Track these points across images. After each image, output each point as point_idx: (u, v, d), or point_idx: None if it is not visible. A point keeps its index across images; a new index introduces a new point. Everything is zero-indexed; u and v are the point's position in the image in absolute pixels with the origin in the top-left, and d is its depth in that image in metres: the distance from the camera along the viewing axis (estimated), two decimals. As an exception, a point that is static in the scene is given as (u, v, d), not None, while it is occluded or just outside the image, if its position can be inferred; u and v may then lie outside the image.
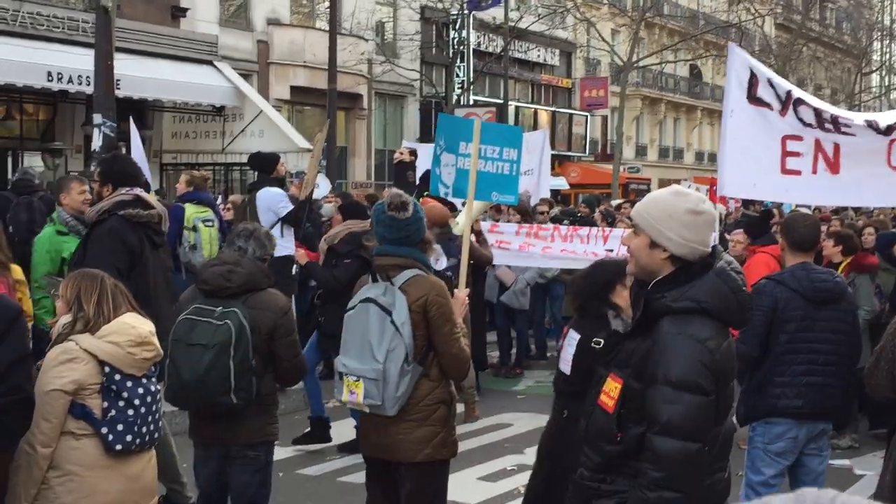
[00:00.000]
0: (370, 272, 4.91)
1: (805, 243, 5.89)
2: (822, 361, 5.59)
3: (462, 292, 5.24)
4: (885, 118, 8.07)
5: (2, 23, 18.41)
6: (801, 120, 7.88)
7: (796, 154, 8.01)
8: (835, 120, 7.90)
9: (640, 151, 46.66)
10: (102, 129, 8.97)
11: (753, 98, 8.09)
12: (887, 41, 53.38)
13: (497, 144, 5.85)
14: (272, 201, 9.92)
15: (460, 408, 9.77)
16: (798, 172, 8.06)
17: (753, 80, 8.08)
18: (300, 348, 5.41)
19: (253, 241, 5.31)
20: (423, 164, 13.20)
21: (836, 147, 7.83)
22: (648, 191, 43.00)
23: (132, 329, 4.28)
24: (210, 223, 10.26)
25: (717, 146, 39.90)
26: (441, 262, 9.21)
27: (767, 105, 8.05)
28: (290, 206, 10.22)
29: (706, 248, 3.49)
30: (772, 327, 5.55)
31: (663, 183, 40.40)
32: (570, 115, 39.49)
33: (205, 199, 10.25)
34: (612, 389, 3.47)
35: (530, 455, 8.71)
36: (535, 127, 36.74)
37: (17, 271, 6.67)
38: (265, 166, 9.91)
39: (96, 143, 9.01)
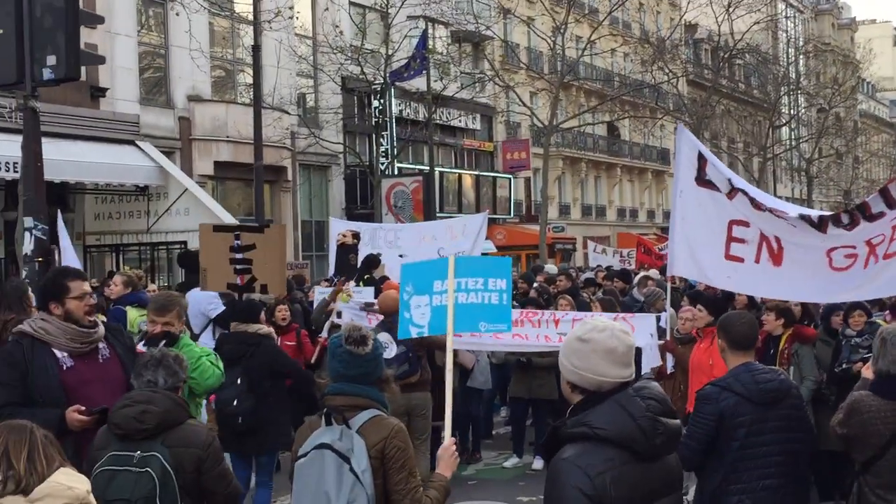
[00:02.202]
0: (322, 414, 4.47)
1: (745, 342, 5.74)
2: (776, 462, 5.44)
3: (449, 440, 4.71)
4: (814, 212, 8.22)
5: (-84, 111, 17.95)
6: (752, 201, 7.94)
7: (741, 241, 8.06)
8: (772, 211, 8.00)
9: (564, 210, 47.14)
10: (34, 232, 8.63)
11: (702, 180, 8.15)
12: (794, 95, 54.88)
13: (480, 276, 5.65)
14: (202, 303, 9.63)
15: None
16: (741, 259, 8.12)
17: (702, 162, 8.14)
18: (232, 476, 5.04)
19: (162, 370, 4.87)
20: (365, 246, 13.04)
21: (779, 242, 7.90)
22: (574, 250, 43.49)
23: (68, 490, 3.80)
24: None
25: (638, 202, 40.49)
26: (391, 350, 8.90)
27: (716, 187, 8.12)
28: (221, 307, 9.94)
29: (598, 376, 3.59)
30: (721, 434, 5.40)
31: (587, 241, 40.88)
32: (494, 178, 39.77)
33: (143, 300, 9.92)
34: None
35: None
36: (459, 191, 37.02)
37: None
38: (195, 265, 9.60)
39: (27, 247, 8.67)
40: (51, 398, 5.34)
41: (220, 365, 6.25)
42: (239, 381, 7.95)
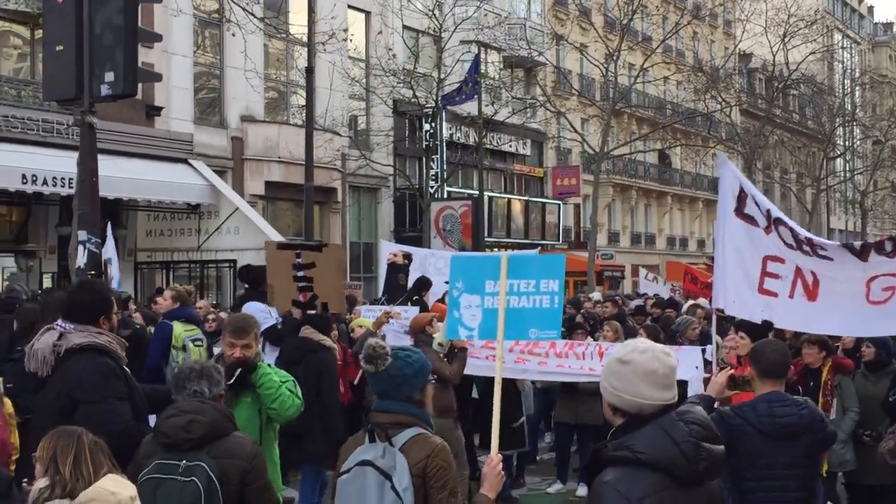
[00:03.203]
0: (367, 430, 4.42)
1: (775, 370, 5.61)
2: (795, 499, 5.34)
3: (495, 457, 4.61)
4: (857, 242, 8.09)
5: (-23, 126, 18.34)
6: (783, 240, 7.88)
7: (775, 276, 7.97)
8: (809, 242, 7.90)
9: (613, 238, 46.91)
10: (88, 246, 8.73)
11: (741, 213, 8.09)
12: (850, 127, 54.27)
13: (532, 277, 5.40)
14: (256, 316, 9.72)
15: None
16: (775, 294, 8.02)
17: (742, 195, 8.08)
18: (274, 490, 5.06)
19: (205, 381, 4.94)
20: (414, 272, 13.06)
21: (815, 276, 7.80)
22: (623, 278, 43.24)
23: (111, 496, 3.91)
24: (199, 342, 10.02)
25: (688, 231, 39.91)
26: None
27: (753, 221, 8.05)
28: (272, 321, 10.03)
29: (639, 398, 3.53)
30: (734, 462, 5.24)
31: (636, 269, 40.67)
32: (543, 203, 39.68)
33: (192, 316, 10.02)
34: None
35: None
36: (508, 216, 36.99)
37: (7, 405, 6.44)
38: (253, 279, 9.74)
39: (80, 260, 8.77)
40: (143, 410, 5.46)
41: (299, 392, 6.09)
42: None
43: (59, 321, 5.43)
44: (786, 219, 8.28)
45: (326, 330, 8.64)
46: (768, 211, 8.16)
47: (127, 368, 5.50)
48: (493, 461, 4.53)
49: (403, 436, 4.35)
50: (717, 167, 8.66)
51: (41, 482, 3.97)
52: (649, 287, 27.11)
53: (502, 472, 4.52)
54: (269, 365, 6.24)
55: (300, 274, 8.95)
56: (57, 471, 3.94)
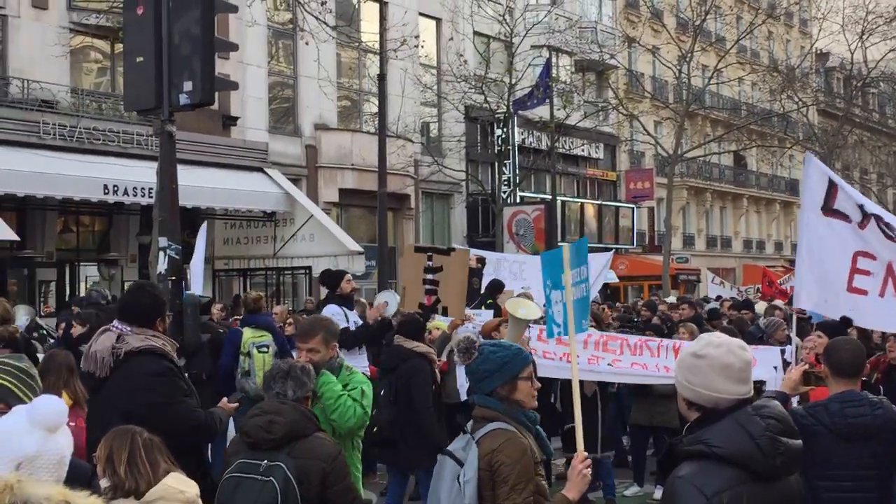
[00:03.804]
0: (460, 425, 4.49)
1: (848, 368, 5.46)
2: (866, 499, 5.24)
3: (580, 456, 4.52)
4: None
5: (60, 139, 18.82)
6: (884, 231, 7.70)
7: (866, 272, 7.81)
8: None
9: (688, 241, 46.37)
10: (168, 252, 8.90)
11: (829, 210, 7.93)
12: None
13: (577, 266, 5.44)
14: None
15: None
16: (864, 292, 7.86)
17: (832, 191, 7.92)
18: (356, 492, 5.07)
19: (290, 382, 4.97)
20: (488, 277, 13.12)
21: None
22: (698, 282, 42.72)
23: (180, 494, 3.91)
24: (265, 349, 10.21)
25: (765, 234, 39.22)
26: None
27: (845, 217, 7.89)
28: (344, 325, 10.14)
29: (714, 393, 3.51)
30: (807, 460, 5.25)
31: (712, 272, 40.17)
32: (617, 207, 39.45)
33: (262, 322, 10.22)
34: None
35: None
36: (582, 220, 36.83)
37: (91, 407, 6.58)
38: (332, 284, 9.92)
39: (161, 266, 8.95)
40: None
41: (366, 402, 5.79)
42: (383, 392, 8.12)
43: (116, 322, 5.43)
44: (883, 214, 8.10)
45: (418, 335, 8.72)
46: (861, 206, 7.99)
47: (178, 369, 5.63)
48: (577, 460, 4.49)
49: (484, 429, 4.38)
50: (804, 165, 8.49)
51: (103, 482, 4.03)
52: (717, 290, 26.80)
53: (586, 474, 4.43)
54: (352, 368, 6.10)
55: (429, 277, 9.14)
56: (114, 472, 3.98)
